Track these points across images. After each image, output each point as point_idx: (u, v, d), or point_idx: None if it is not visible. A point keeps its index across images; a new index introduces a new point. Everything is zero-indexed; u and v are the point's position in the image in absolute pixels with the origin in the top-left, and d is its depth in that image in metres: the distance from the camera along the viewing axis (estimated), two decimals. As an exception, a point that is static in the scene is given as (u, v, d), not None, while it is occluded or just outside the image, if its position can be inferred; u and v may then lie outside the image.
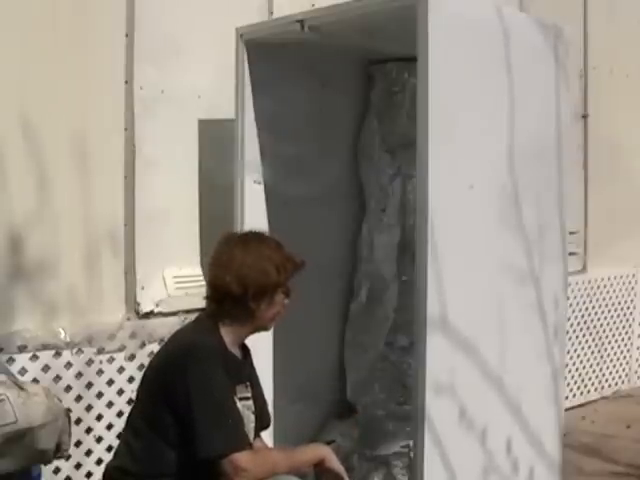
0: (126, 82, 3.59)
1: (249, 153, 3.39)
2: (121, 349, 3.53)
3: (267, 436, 2.76)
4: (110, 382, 3.51)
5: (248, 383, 2.51)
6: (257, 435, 2.56)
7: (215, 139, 3.79)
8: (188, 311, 3.65)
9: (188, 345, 2.37)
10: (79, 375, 3.40)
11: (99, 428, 3.48)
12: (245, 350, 2.58)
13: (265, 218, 3.44)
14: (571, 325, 5.43)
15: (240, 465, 2.23)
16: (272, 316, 2.53)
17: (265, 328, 2.57)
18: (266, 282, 2.44)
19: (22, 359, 3.24)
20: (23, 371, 3.22)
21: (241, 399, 2.44)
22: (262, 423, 2.59)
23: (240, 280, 2.42)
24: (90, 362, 3.43)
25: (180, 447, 2.29)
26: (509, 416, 3.01)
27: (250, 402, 2.50)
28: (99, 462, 3.42)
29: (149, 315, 3.63)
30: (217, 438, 2.23)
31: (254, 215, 3.40)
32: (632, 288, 5.94)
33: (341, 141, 3.79)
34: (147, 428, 2.35)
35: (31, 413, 2.45)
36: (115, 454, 2.54)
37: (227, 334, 2.45)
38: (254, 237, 2.56)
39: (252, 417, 2.50)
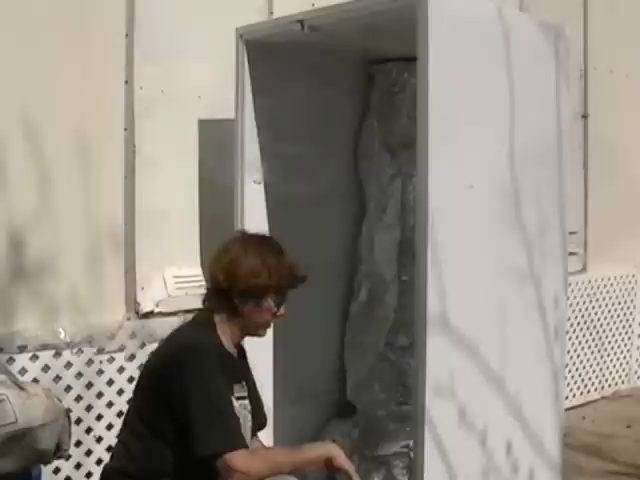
0: (126, 82, 3.59)
1: (249, 153, 3.39)
2: (121, 349, 3.53)
3: (267, 436, 2.77)
4: (110, 382, 3.51)
5: (244, 383, 2.51)
6: (254, 435, 2.56)
7: (215, 139, 3.79)
8: (188, 311, 3.64)
9: (186, 344, 2.36)
10: (79, 375, 3.40)
11: (99, 428, 3.48)
12: (242, 350, 2.57)
13: (265, 218, 3.44)
14: (571, 325, 5.43)
15: (235, 465, 2.20)
16: (260, 322, 2.49)
17: (255, 333, 2.52)
18: (254, 282, 2.40)
19: (22, 359, 3.24)
20: (23, 371, 3.22)
21: (238, 398, 2.43)
22: (258, 423, 2.58)
23: (228, 273, 2.41)
24: (90, 362, 3.43)
25: (178, 447, 2.29)
26: (509, 416, 3.00)
27: (247, 401, 2.49)
28: (99, 462, 3.42)
29: (149, 315, 3.63)
30: (213, 437, 2.22)
31: (254, 215, 3.39)
32: (632, 288, 5.94)
33: (341, 141, 3.79)
34: (144, 428, 2.34)
35: (31, 413, 2.45)
36: (112, 455, 2.53)
37: (222, 332, 2.44)
38: (259, 238, 2.54)
39: (249, 416, 2.49)
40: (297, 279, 2.50)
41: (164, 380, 2.30)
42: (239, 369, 2.50)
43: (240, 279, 2.41)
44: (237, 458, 2.21)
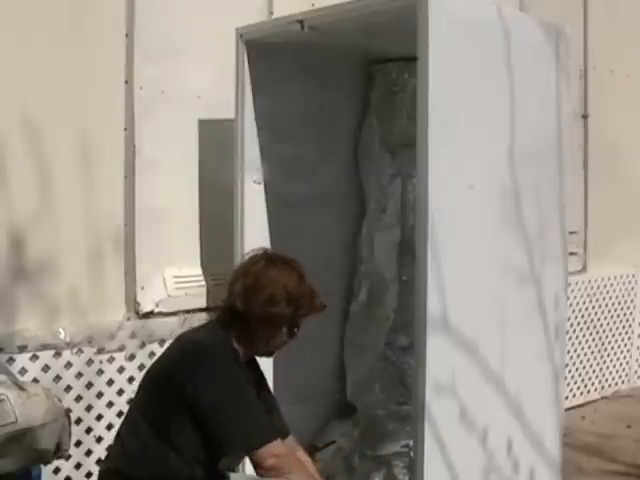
0: (126, 82, 3.59)
1: (249, 153, 3.39)
2: (121, 349, 3.52)
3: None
4: (110, 382, 3.51)
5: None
6: None
7: (215, 139, 3.79)
8: (188, 311, 3.65)
9: (203, 345, 2.35)
10: (79, 375, 3.40)
11: (99, 428, 3.47)
12: (252, 362, 2.56)
13: (265, 218, 3.45)
14: (571, 325, 5.43)
15: (279, 452, 2.24)
16: (271, 348, 2.51)
17: (262, 355, 2.55)
18: (271, 311, 2.37)
19: (22, 359, 3.23)
20: (23, 371, 3.22)
21: None
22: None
23: (247, 297, 2.38)
24: (90, 362, 3.43)
25: (182, 448, 2.27)
26: (509, 416, 3.01)
27: None
28: (99, 462, 3.41)
29: (149, 315, 3.62)
30: (250, 429, 2.24)
31: (254, 215, 3.40)
32: (632, 288, 5.93)
33: (341, 141, 3.79)
34: (148, 428, 2.32)
35: (31, 413, 2.45)
36: (109, 454, 2.50)
37: (237, 344, 2.43)
38: (282, 261, 2.47)
39: None
40: (314, 308, 2.46)
41: (183, 382, 2.27)
42: (248, 379, 2.47)
43: (258, 305, 2.37)
44: (283, 450, 2.27)
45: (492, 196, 2.92)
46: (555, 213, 3.23)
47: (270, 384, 3.24)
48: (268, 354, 2.57)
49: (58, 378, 3.34)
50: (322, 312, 2.48)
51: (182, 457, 2.28)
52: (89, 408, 3.45)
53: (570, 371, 5.46)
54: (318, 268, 3.46)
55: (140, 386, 2.50)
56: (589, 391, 5.68)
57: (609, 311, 5.78)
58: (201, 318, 3.57)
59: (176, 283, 3.71)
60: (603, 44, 5.58)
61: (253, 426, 2.25)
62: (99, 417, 3.48)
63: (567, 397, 5.24)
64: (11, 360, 3.19)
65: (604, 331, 5.76)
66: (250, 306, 2.38)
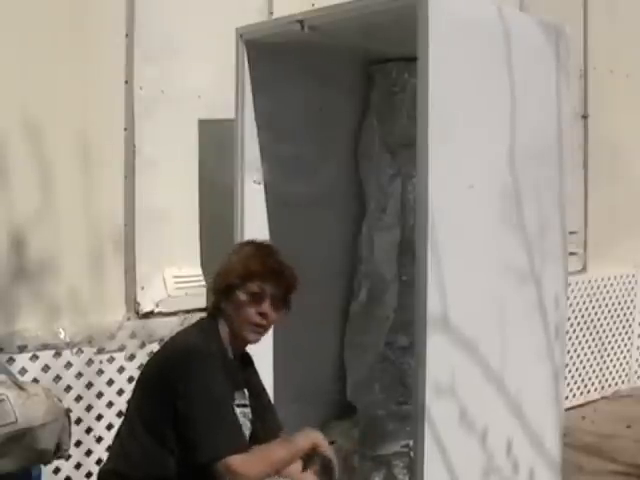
0: (126, 82, 3.59)
1: (249, 153, 3.39)
2: (121, 349, 3.53)
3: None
4: (110, 382, 3.51)
5: (245, 390, 2.49)
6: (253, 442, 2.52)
7: (215, 139, 3.79)
8: (188, 311, 3.65)
9: (190, 347, 2.35)
10: (79, 375, 3.40)
11: (99, 428, 3.48)
12: (245, 357, 2.57)
13: (265, 218, 3.44)
14: (571, 325, 5.44)
15: (234, 468, 2.19)
16: (240, 320, 2.42)
17: (242, 335, 2.45)
18: (224, 277, 2.45)
19: (22, 359, 3.24)
20: (23, 371, 3.22)
21: (238, 405, 2.42)
22: (270, 432, 2.51)
23: (215, 278, 2.49)
24: (90, 362, 3.43)
25: (178, 451, 2.27)
26: (509, 416, 3.01)
27: (248, 409, 2.48)
28: (99, 462, 3.41)
29: (149, 315, 3.63)
30: (214, 441, 2.21)
31: (254, 215, 3.40)
32: (632, 288, 5.94)
33: (341, 141, 3.79)
34: (144, 430, 2.33)
35: (31, 413, 2.44)
36: (109, 456, 2.50)
37: (223, 338, 2.43)
38: (258, 244, 2.55)
39: (248, 424, 2.46)
40: (265, 270, 2.42)
41: (168, 382, 2.28)
42: (240, 376, 2.49)
43: (217, 276, 2.48)
44: (236, 461, 2.20)
45: (492, 196, 2.92)
46: (555, 213, 3.23)
47: (270, 384, 3.26)
48: (244, 330, 2.43)
49: (58, 378, 3.34)
50: (277, 277, 2.43)
51: (178, 460, 2.28)
52: (89, 408, 3.45)
53: (570, 371, 5.46)
54: (318, 268, 3.49)
55: (136, 385, 2.50)
56: (589, 391, 5.68)
57: (609, 311, 5.78)
58: (201, 318, 3.58)
59: (176, 283, 3.72)
60: (603, 44, 5.59)
61: (219, 436, 2.22)
62: (99, 417, 3.48)
63: (567, 397, 5.24)
64: (11, 360, 3.19)
65: (604, 331, 5.76)
66: (214, 284, 2.48)
